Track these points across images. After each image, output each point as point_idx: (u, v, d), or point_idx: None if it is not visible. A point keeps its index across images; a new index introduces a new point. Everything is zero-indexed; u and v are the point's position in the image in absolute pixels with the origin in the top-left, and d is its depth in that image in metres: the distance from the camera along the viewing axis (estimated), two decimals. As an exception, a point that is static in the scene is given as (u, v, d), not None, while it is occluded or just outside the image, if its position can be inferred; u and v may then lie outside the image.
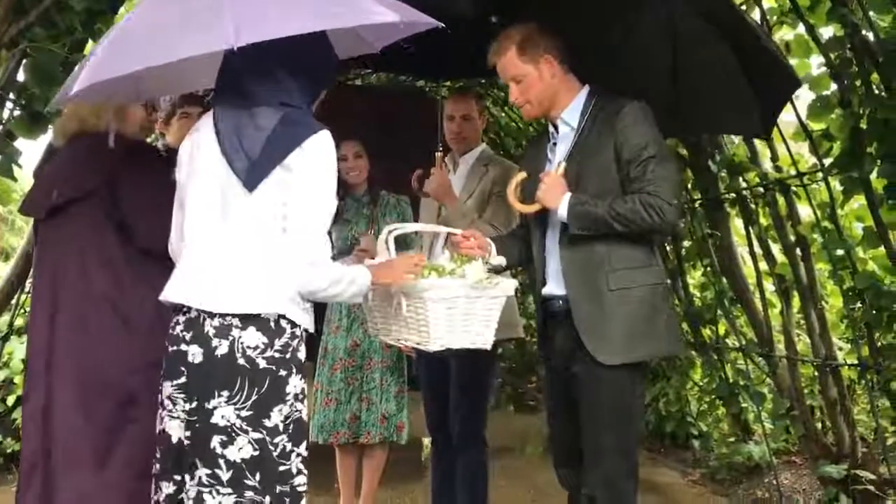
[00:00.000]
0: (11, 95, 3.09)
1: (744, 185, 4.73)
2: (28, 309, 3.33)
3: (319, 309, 4.19)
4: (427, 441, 5.44)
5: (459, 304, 2.33)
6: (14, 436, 4.75)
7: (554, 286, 2.60)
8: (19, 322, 4.81)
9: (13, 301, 4.56)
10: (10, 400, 4.96)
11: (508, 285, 2.44)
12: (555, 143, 2.66)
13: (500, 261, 2.59)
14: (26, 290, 4.42)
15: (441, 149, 3.39)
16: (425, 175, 3.39)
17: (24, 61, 3.08)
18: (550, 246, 2.62)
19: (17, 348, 4.89)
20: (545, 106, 2.61)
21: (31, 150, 3.68)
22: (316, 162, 2.02)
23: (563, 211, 2.48)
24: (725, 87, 2.68)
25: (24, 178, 3.82)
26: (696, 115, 2.86)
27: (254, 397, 1.98)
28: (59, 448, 2.48)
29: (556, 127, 2.64)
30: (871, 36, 3.40)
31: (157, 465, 2.11)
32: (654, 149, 2.45)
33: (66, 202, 2.58)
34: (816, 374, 4.63)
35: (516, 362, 8.51)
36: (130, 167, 2.55)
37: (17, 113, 3.13)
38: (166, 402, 2.07)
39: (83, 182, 2.56)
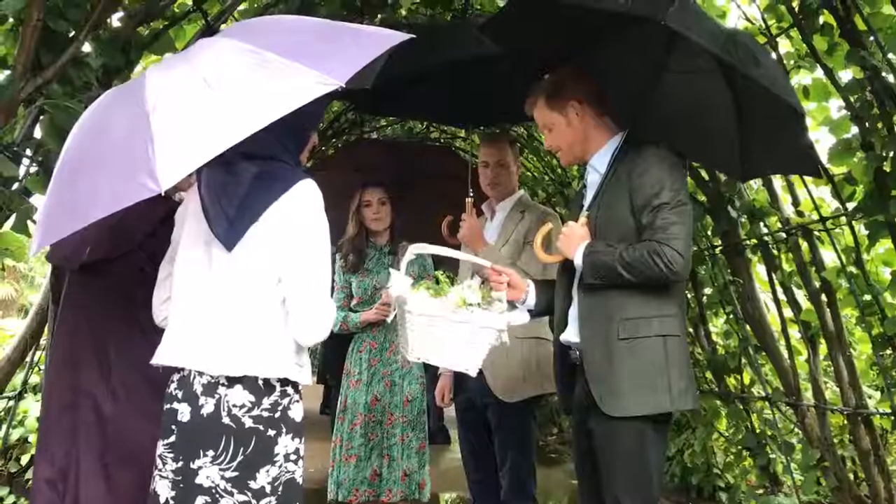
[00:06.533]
0: (28, 152, 3.09)
1: (765, 230, 4.68)
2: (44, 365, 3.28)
3: (339, 362, 4.18)
4: (447, 496, 5.39)
5: (440, 324, 2.36)
6: (28, 496, 4.67)
7: (573, 333, 2.54)
8: (34, 379, 4.77)
9: (27, 359, 4.52)
10: (24, 459, 4.90)
11: (499, 319, 2.40)
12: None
13: (507, 309, 2.52)
14: (41, 347, 4.39)
15: (472, 195, 3.36)
16: (456, 221, 3.35)
17: (41, 118, 3.09)
18: (574, 294, 2.57)
19: (32, 406, 4.85)
20: (577, 151, 2.60)
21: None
22: (298, 213, 1.99)
23: (577, 260, 2.44)
24: (781, 124, 2.42)
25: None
26: (760, 153, 2.64)
27: (239, 458, 1.94)
28: None
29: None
30: (891, 78, 3.38)
31: None
32: (668, 195, 2.37)
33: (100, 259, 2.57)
34: (846, 423, 4.51)
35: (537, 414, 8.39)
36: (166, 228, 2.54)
37: (33, 170, 3.12)
38: (158, 461, 2.02)
39: (118, 246, 2.55)
